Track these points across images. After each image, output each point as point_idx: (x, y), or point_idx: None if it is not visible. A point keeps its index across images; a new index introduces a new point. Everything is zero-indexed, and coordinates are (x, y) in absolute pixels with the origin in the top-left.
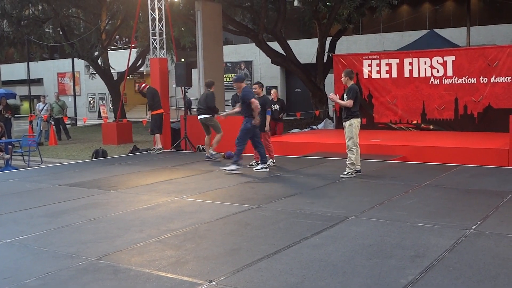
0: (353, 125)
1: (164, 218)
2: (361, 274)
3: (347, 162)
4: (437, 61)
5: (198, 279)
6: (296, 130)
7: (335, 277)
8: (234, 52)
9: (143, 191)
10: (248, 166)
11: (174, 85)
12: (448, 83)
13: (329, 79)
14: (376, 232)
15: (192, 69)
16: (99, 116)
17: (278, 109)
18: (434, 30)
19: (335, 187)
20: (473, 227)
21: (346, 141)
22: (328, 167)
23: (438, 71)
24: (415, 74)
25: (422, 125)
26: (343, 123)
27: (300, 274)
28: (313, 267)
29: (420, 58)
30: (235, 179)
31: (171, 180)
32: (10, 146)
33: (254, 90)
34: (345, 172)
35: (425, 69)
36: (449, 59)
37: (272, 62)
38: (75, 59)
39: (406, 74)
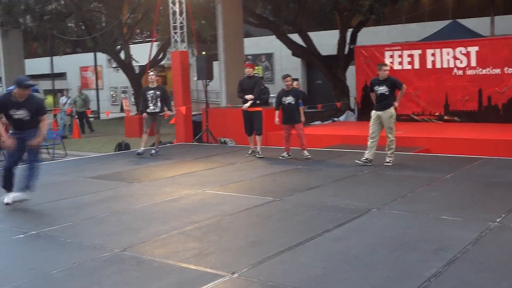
0: (393, 116)
1: (186, 210)
2: (384, 266)
3: (390, 153)
4: (460, 51)
5: (221, 271)
6: (317, 122)
7: (357, 270)
8: (255, 45)
9: (166, 184)
10: (280, 158)
11: (195, 78)
12: (471, 74)
13: (351, 71)
14: (399, 225)
15: (213, 62)
16: (122, 110)
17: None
18: (457, 20)
19: (356, 180)
20: (498, 220)
21: (389, 132)
22: (349, 159)
23: (461, 62)
24: (438, 65)
25: (445, 116)
26: (378, 113)
27: (322, 266)
28: (335, 259)
29: (442, 49)
30: (257, 171)
31: (193, 172)
32: None
33: (286, 82)
34: (388, 160)
35: (448, 60)
36: (473, 50)
37: (293, 54)
38: (98, 53)
39: (429, 65)
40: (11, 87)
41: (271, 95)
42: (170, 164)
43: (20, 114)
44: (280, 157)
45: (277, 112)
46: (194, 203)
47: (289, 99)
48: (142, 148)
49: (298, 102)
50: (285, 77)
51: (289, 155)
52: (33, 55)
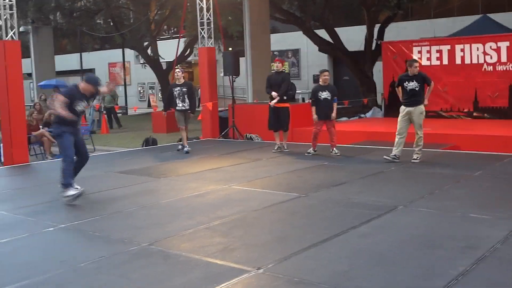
0: (423, 113)
1: (213, 206)
2: (410, 264)
3: (418, 149)
4: (491, 47)
5: (246, 266)
6: (344, 119)
7: (384, 267)
8: (281, 41)
9: (192, 179)
10: (305, 154)
11: (222, 74)
12: (502, 69)
13: (378, 66)
14: (426, 222)
15: (240, 58)
16: (149, 105)
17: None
18: (487, 14)
19: (383, 176)
20: None
21: (419, 129)
22: (376, 156)
23: (491, 58)
24: (467, 61)
25: (474, 113)
26: (409, 109)
27: (348, 263)
28: (361, 256)
29: (472, 44)
30: (283, 167)
31: (219, 168)
32: None
33: (324, 77)
34: (415, 157)
35: (478, 55)
36: (503, 45)
37: (319, 50)
38: (126, 49)
39: (458, 61)
40: (43, 83)
41: (297, 91)
42: (197, 159)
43: (83, 105)
44: (306, 153)
45: (313, 108)
46: (220, 198)
47: (325, 94)
48: (187, 147)
49: (334, 98)
50: (322, 71)
51: (315, 151)
52: (62, 51)
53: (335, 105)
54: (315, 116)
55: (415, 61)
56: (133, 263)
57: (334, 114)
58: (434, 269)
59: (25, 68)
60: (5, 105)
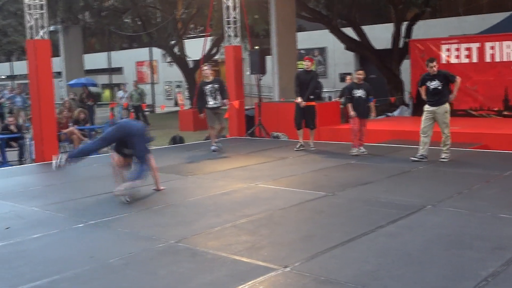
0: (448, 111)
1: (239, 204)
2: (439, 264)
3: (446, 149)
4: None
5: (273, 264)
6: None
7: (412, 267)
8: (307, 39)
9: (219, 177)
10: (351, 154)
11: (248, 73)
12: None
13: (405, 65)
14: (455, 222)
15: (266, 56)
16: (176, 104)
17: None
18: None
19: (411, 176)
20: None
21: (445, 128)
22: (403, 155)
23: None
24: (497, 59)
25: (505, 112)
26: (433, 108)
27: (376, 262)
28: (389, 256)
29: (502, 42)
30: (309, 166)
31: (246, 166)
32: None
33: (358, 76)
34: (444, 156)
35: (508, 53)
36: None
37: (346, 49)
38: (153, 48)
39: (488, 59)
40: (72, 81)
41: (323, 90)
42: (223, 157)
43: None
44: (352, 154)
45: (350, 105)
46: (246, 196)
47: (359, 93)
48: (214, 145)
49: (369, 98)
50: (357, 70)
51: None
52: (91, 50)
53: (372, 104)
54: (352, 113)
55: (432, 60)
56: (161, 260)
57: (373, 114)
58: (464, 270)
59: (55, 66)
60: (36, 103)
